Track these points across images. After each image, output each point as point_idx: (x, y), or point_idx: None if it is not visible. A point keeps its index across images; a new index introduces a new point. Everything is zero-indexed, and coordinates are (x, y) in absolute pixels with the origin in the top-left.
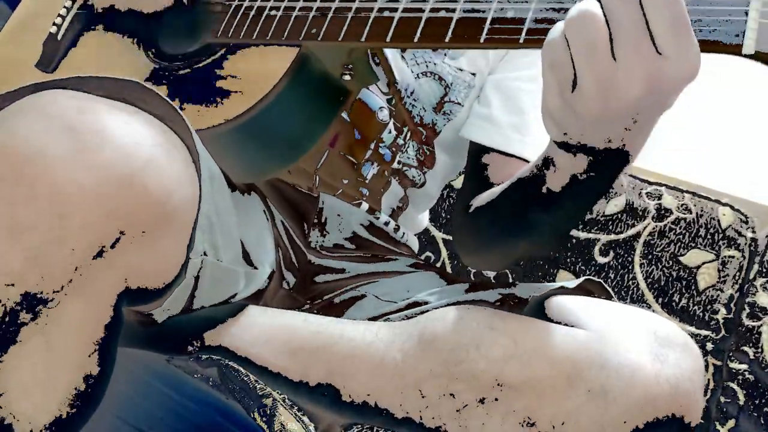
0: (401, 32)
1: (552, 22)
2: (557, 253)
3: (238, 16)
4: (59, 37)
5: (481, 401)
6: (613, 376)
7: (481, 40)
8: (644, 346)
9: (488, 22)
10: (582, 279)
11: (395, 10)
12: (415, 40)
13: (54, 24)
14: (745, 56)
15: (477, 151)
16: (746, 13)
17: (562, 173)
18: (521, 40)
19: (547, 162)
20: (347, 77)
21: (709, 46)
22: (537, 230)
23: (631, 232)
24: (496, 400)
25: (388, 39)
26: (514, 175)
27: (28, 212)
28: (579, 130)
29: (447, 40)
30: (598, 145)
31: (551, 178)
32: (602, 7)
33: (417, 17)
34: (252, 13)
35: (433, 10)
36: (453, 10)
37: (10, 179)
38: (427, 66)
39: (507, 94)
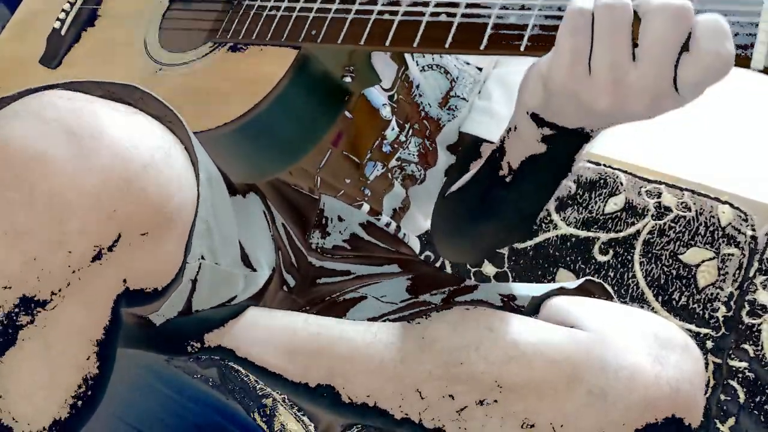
0: (401, 36)
1: (555, 29)
2: (527, 238)
3: (239, 16)
4: (63, 32)
5: (481, 403)
6: (613, 377)
7: (482, 47)
8: (644, 347)
9: (489, 27)
10: (582, 280)
11: (395, 13)
12: (415, 44)
13: (58, 19)
14: (754, 70)
15: (473, 142)
16: (756, 26)
17: (523, 146)
18: (522, 48)
19: (509, 131)
20: (348, 79)
21: None
22: (500, 211)
23: (631, 230)
24: (496, 401)
25: (387, 43)
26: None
27: (27, 216)
28: (563, 108)
29: (447, 45)
30: (570, 125)
31: (511, 150)
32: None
33: (417, 21)
34: (252, 13)
35: (433, 14)
36: (454, 15)
37: (8, 183)
38: (433, 59)
39: (509, 87)
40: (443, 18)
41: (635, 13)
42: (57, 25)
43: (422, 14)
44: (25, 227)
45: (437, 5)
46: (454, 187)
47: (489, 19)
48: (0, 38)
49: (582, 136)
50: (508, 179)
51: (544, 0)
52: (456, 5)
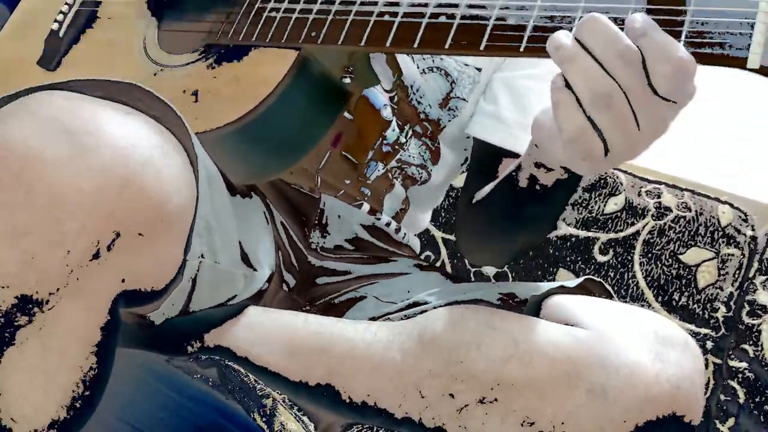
0: (401, 37)
1: (553, 30)
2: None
3: (238, 18)
4: (61, 34)
5: (481, 401)
6: (614, 375)
7: (482, 47)
8: (645, 345)
9: (489, 28)
10: (582, 278)
11: (395, 14)
12: (415, 45)
13: (56, 21)
14: (750, 70)
15: (489, 151)
16: (752, 26)
17: (552, 176)
18: (522, 49)
19: (539, 166)
20: (348, 80)
21: (713, 59)
22: (532, 222)
23: (631, 230)
24: (496, 400)
25: (387, 44)
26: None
27: (25, 215)
28: (571, 165)
29: (447, 46)
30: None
31: (542, 177)
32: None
33: (417, 22)
34: (252, 14)
35: (433, 15)
36: (453, 16)
37: (6, 182)
38: (433, 61)
39: (515, 93)
40: (443, 19)
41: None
42: (55, 26)
43: (422, 15)
44: (24, 227)
45: (437, 6)
46: (480, 196)
47: (488, 20)
48: None
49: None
50: (539, 197)
51: (543, 1)
52: (455, 6)
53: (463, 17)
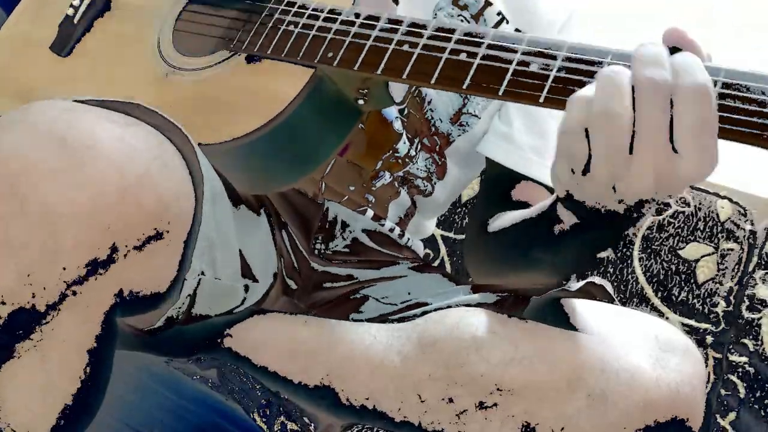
0: (419, 70)
1: (577, 84)
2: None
3: (255, 27)
4: (76, 20)
5: (481, 406)
6: (614, 380)
7: (500, 93)
8: (645, 350)
9: (510, 73)
10: (583, 282)
11: (415, 45)
12: (433, 81)
13: (71, 5)
14: None
15: (502, 174)
16: None
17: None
18: (542, 99)
19: (552, 209)
20: (361, 102)
21: (748, 138)
22: (538, 268)
23: None
24: (496, 404)
25: (404, 76)
26: (532, 208)
27: (20, 229)
28: (582, 197)
29: (465, 86)
30: (602, 207)
31: (563, 216)
32: (633, 101)
33: (437, 57)
34: (269, 25)
35: (453, 51)
36: (475, 55)
37: (1, 194)
38: None
39: (531, 116)
40: (463, 57)
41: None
42: (70, 12)
43: (443, 50)
44: (19, 241)
45: (458, 42)
46: (497, 226)
47: (510, 64)
48: (11, 16)
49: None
50: (549, 244)
51: (568, 51)
52: (479, 45)
53: (483, 58)
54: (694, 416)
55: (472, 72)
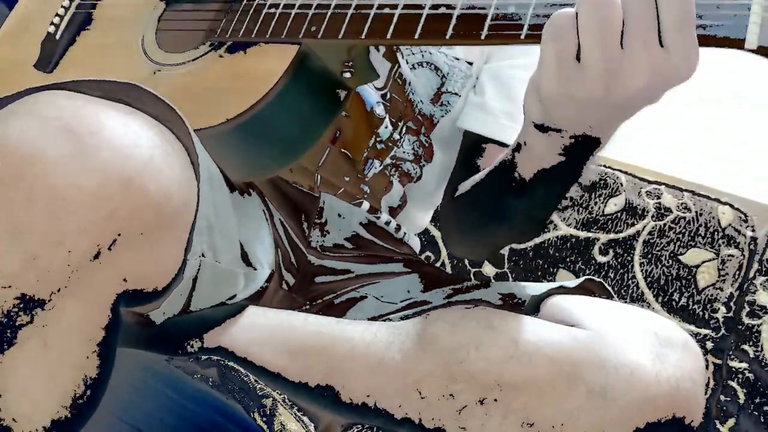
0: (402, 29)
1: None
2: (535, 236)
3: (237, 15)
4: (57, 36)
5: (481, 402)
6: (613, 376)
7: (482, 37)
8: (645, 346)
9: (489, 18)
10: (582, 279)
11: (395, 6)
12: (416, 36)
13: (52, 23)
14: (748, 51)
15: (476, 143)
16: (749, 8)
17: (533, 158)
18: (523, 36)
19: (519, 146)
20: (348, 75)
21: (711, 41)
22: (512, 218)
23: (631, 231)
24: (496, 400)
25: (388, 36)
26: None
27: (26, 215)
28: (565, 114)
29: (448, 36)
30: (577, 131)
31: (522, 163)
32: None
33: (417, 14)
34: (251, 11)
35: (433, 6)
36: (453, 7)
37: (8, 181)
38: (422, 56)
39: (501, 82)
40: (443, 11)
41: None
42: (51, 29)
43: (422, 7)
44: (25, 226)
45: None
46: (463, 189)
47: (488, 9)
48: None
49: (593, 141)
50: (519, 190)
51: None
52: None
53: (463, 7)
54: (694, 412)
55: (453, 22)
